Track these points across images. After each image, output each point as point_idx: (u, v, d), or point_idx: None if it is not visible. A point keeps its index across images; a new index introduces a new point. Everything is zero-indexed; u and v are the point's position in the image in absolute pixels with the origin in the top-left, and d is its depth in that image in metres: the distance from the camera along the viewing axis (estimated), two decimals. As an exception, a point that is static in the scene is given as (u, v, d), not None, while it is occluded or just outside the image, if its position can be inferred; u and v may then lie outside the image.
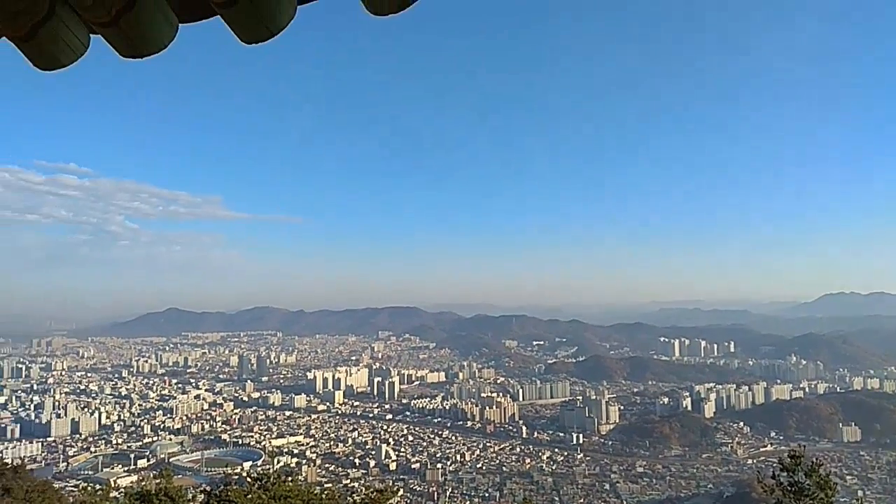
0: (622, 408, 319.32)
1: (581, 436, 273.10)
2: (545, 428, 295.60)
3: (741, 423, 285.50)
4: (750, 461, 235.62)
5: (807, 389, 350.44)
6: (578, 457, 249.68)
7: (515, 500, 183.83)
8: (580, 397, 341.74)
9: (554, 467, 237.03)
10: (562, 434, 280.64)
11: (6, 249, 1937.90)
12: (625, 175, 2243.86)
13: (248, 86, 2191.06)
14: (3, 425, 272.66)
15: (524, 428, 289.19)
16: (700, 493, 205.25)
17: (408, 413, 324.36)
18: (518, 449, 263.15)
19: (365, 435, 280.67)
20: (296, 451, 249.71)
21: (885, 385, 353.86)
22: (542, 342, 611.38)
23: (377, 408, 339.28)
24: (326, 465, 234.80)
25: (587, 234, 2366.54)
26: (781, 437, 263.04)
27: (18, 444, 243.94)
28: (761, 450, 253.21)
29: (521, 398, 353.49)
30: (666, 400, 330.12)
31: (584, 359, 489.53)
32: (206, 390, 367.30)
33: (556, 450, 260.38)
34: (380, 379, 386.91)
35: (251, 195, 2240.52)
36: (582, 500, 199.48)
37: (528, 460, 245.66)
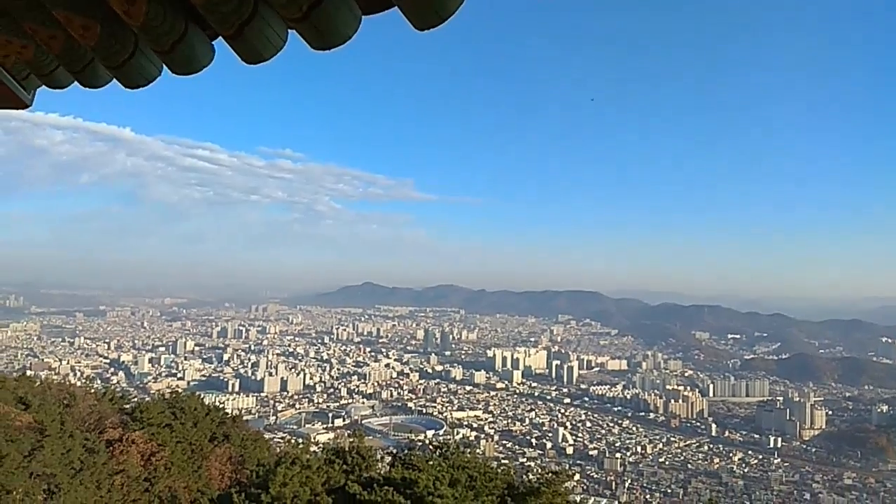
0: (830, 413, 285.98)
1: (780, 439, 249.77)
2: (738, 428, 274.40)
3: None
4: None
5: None
6: (775, 461, 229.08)
7: (701, 500, 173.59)
8: (781, 398, 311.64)
9: (746, 470, 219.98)
10: (757, 436, 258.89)
11: (234, 226, 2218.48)
12: (831, 152, 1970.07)
13: (437, 76, 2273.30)
14: (225, 379, 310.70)
15: (714, 425, 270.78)
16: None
17: (586, 399, 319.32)
18: (706, 447, 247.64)
19: (542, 416, 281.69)
20: (475, 425, 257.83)
21: None
22: (738, 336, 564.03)
23: (555, 390, 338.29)
24: (503, 442, 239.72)
25: (793, 220, 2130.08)
26: None
27: (237, 396, 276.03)
28: None
29: (711, 394, 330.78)
30: (885, 408, 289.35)
31: (788, 357, 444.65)
32: (395, 360, 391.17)
33: (750, 452, 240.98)
34: (558, 362, 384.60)
35: (439, 178, 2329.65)
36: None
37: (716, 460, 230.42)
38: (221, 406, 57.19)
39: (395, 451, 36.28)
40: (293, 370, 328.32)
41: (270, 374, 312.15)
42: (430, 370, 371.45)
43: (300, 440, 35.68)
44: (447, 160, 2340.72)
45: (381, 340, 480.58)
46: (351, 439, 32.78)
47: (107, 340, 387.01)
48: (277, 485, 26.51)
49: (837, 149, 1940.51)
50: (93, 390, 44.36)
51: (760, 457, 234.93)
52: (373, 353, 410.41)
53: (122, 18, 4.77)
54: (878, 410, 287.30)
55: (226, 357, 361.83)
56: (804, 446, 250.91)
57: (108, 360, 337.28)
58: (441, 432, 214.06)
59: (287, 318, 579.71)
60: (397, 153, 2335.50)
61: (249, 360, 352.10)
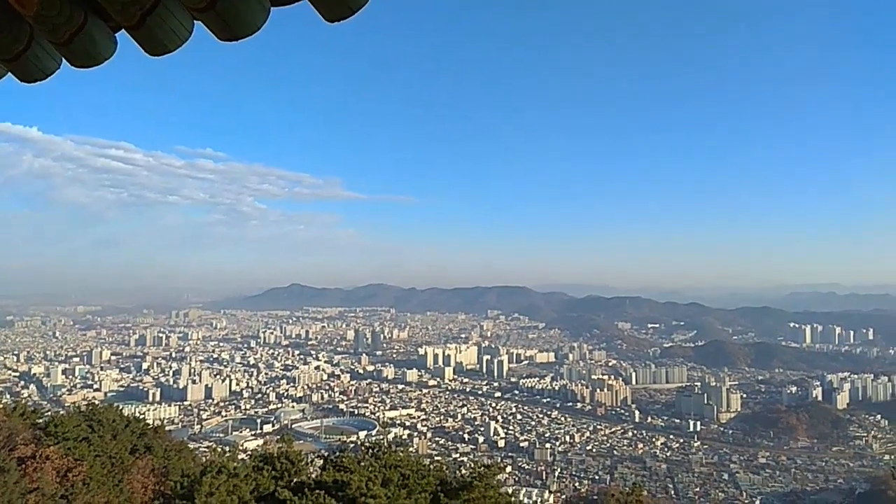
0: (744, 396, 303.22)
1: (698, 423, 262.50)
2: (659, 413, 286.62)
3: (878, 416, 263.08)
4: (887, 457, 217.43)
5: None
6: (695, 444, 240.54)
7: (627, 485, 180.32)
8: (698, 383, 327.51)
9: (668, 454, 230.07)
10: (677, 420, 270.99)
11: (151, 228, 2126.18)
12: (748, 151, 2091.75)
13: (367, 73, 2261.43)
14: (145, 389, 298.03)
15: (637, 412, 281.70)
16: (829, 487, 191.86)
17: (516, 392, 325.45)
18: (630, 433, 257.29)
19: (474, 411, 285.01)
20: (407, 424, 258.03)
21: None
22: (657, 325, 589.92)
23: (486, 385, 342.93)
24: (437, 439, 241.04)
25: (709, 213, 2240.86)
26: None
27: (159, 406, 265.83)
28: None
29: (634, 382, 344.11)
30: (794, 389, 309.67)
31: (704, 343, 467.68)
32: (325, 362, 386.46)
33: (671, 436, 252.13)
34: (489, 357, 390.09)
35: (369, 177, 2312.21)
36: (698, 489, 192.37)
37: (640, 445, 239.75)
38: (142, 417, 55.27)
39: (326, 454, 36.10)
40: (218, 377, 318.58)
41: (194, 382, 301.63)
42: (361, 371, 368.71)
43: (227, 448, 34.78)
44: (377, 159, 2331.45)
45: (310, 342, 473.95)
46: (280, 444, 32.38)
47: (16, 352, 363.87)
48: (203, 495, 25.94)
49: (748, 145, 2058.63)
50: (1, 405, 41.85)
51: (681, 440, 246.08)
52: (302, 356, 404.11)
53: (13, 8, 4.53)
54: (788, 392, 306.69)
55: (145, 366, 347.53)
56: (721, 429, 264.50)
57: (17, 374, 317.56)
58: (373, 433, 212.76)
59: (210, 323, 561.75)
60: (325, 152, 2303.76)
61: (171, 368, 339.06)
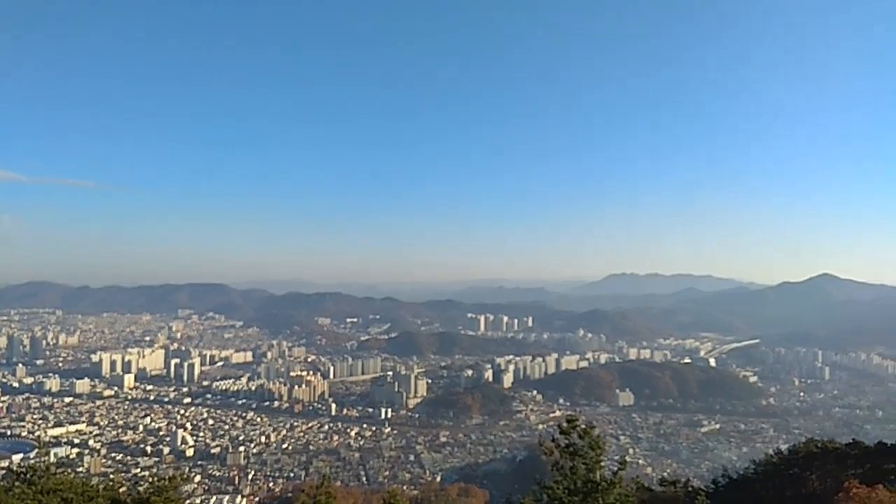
0: (430, 381, 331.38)
1: (389, 410, 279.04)
2: (355, 404, 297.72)
3: (535, 392, 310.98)
4: (541, 426, 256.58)
5: (591, 360, 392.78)
6: (386, 431, 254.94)
7: (320, 479, 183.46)
8: (391, 373, 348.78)
9: (362, 442, 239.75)
10: (371, 409, 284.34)
11: None
12: (441, 162, 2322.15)
13: (34, 25, 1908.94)
14: None
15: (333, 405, 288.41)
16: (497, 458, 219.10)
17: (209, 396, 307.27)
18: (326, 427, 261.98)
19: (159, 421, 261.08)
20: (77, 441, 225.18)
21: (654, 355, 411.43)
22: (355, 319, 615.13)
23: (174, 391, 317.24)
24: (113, 455, 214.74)
25: (402, 215, 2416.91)
26: (568, 403, 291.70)
27: None
28: (550, 415, 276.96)
29: (331, 375, 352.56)
30: (470, 372, 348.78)
31: (397, 335, 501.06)
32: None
33: (365, 425, 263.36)
34: (178, 360, 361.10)
35: (33, 154, 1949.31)
36: (387, 473, 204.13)
37: (335, 437, 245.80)
38: None
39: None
40: None
41: None
42: (15, 384, 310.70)
43: None
44: (49, 134, 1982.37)
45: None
46: None
47: None
48: None
49: (439, 155, 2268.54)
50: None
51: (374, 428, 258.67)
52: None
53: None
54: (466, 375, 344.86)
55: None
56: (410, 414, 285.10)
57: None
58: (31, 455, 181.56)
59: None
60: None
61: None
